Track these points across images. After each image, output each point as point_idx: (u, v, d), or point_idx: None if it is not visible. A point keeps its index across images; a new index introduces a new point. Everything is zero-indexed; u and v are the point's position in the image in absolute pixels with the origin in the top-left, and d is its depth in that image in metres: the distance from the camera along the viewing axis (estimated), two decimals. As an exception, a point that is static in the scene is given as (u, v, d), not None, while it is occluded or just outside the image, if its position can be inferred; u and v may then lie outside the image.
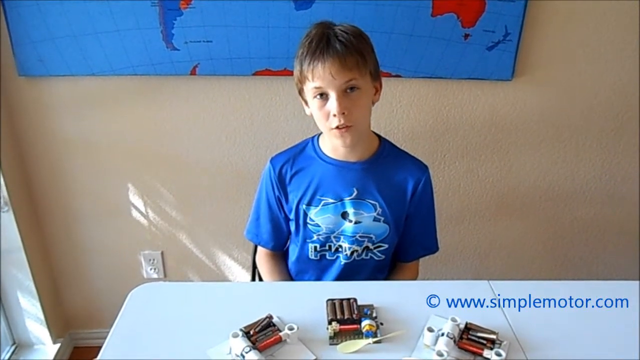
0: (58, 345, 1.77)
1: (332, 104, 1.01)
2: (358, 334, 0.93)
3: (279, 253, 1.28)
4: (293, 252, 1.23)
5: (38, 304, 1.68)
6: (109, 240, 1.75)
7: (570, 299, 1.04)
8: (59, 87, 1.51)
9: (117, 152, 1.61)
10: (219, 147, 1.61)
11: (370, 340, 0.90)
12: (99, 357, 0.89)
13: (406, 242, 1.23)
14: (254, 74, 1.47)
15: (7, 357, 1.70)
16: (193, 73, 1.47)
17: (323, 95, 1.03)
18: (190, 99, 1.54)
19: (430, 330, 0.91)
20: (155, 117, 1.56)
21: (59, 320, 1.83)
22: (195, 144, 1.60)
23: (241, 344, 0.87)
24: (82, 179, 1.64)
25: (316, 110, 1.05)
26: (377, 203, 1.14)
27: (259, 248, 1.27)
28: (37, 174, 1.63)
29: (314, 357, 0.88)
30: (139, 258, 1.78)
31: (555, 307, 1.02)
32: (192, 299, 1.03)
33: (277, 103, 1.54)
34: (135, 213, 1.70)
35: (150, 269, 1.79)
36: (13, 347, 1.74)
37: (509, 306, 1.01)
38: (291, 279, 1.26)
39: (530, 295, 1.04)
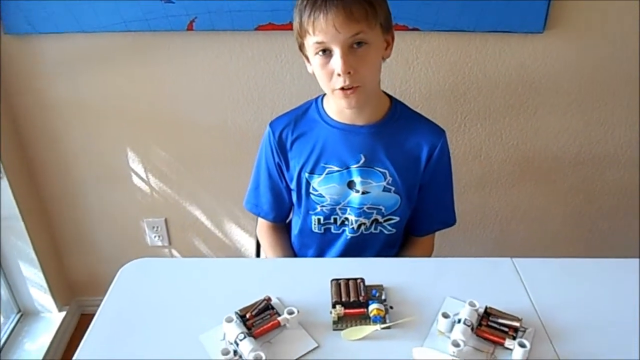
0: (64, 312, 1.74)
1: (336, 61, 0.89)
2: (365, 319, 0.84)
3: (281, 225, 1.19)
4: (295, 225, 1.14)
5: (40, 273, 1.64)
6: (110, 207, 1.68)
7: (605, 279, 0.93)
8: (47, 45, 1.40)
9: (113, 114, 1.51)
10: (220, 108, 1.50)
11: (378, 326, 0.81)
12: (82, 342, 0.82)
13: (420, 214, 1.12)
14: (256, 29, 1.34)
15: (13, 326, 1.68)
16: (190, 28, 1.34)
17: (326, 52, 0.90)
18: (188, 57, 1.42)
19: (445, 316, 0.82)
20: (151, 77, 1.45)
21: (64, 288, 1.79)
22: (195, 105, 1.50)
23: (235, 330, 0.79)
24: (77, 143, 1.56)
25: (318, 68, 0.92)
26: (386, 171, 1.02)
27: (260, 220, 1.18)
28: (30, 138, 1.54)
29: (316, 345, 0.80)
30: (142, 225, 1.71)
31: (587, 288, 0.91)
32: (185, 276, 0.95)
33: (283, 61, 1.42)
34: (135, 178, 1.62)
35: (155, 237, 1.72)
36: (18, 316, 1.71)
37: (535, 288, 0.91)
38: (294, 253, 1.17)
39: (559, 274, 0.94)
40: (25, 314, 1.73)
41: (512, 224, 1.71)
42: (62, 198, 1.66)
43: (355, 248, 1.10)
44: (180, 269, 0.97)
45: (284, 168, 1.07)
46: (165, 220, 1.70)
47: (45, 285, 1.67)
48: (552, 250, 1.75)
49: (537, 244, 1.74)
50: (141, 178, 1.62)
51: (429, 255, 1.17)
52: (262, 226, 1.18)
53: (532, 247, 1.75)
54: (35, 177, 1.61)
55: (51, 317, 1.73)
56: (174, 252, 1.77)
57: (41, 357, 1.59)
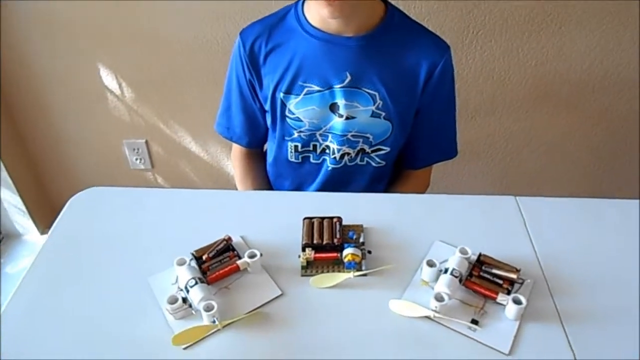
0: (47, 235, 1.68)
1: None
2: (338, 265, 0.73)
3: (256, 151, 1.06)
4: (270, 152, 1.00)
5: (17, 196, 1.55)
6: (87, 129, 1.56)
7: (623, 223, 0.80)
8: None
9: (83, 30, 1.36)
10: (200, 22, 1.33)
11: (352, 273, 0.70)
12: (20, 282, 0.73)
13: (415, 144, 0.98)
14: None
15: (-7, 248, 1.63)
16: None
17: None
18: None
19: (431, 264, 0.70)
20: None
21: (45, 211, 1.72)
22: (174, 18, 1.33)
23: (186, 274, 0.69)
24: (46, 62, 1.43)
25: None
26: (377, 93, 0.87)
27: (234, 145, 1.04)
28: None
29: (280, 292, 0.70)
30: (123, 149, 1.59)
31: (602, 234, 0.79)
32: (141, 209, 0.84)
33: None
34: (111, 98, 1.49)
35: (136, 159, 1.61)
36: (0, 238, 1.66)
37: (539, 233, 0.78)
38: (268, 185, 1.04)
39: (569, 218, 0.81)
40: (7, 237, 1.69)
41: (522, 155, 1.56)
42: (36, 121, 1.54)
43: (338, 181, 0.97)
44: (135, 200, 0.85)
45: (256, 86, 0.91)
46: (146, 142, 1.58)
47: (24, 208, 1.59)
48: (565, 188, 1.62)
49: (548, 181, 1.61)
50: (117, 96, 1.48)
51: (423, 192, 1.04)
52: (235, 152, 1.05)
53: (542, 183, 1.62)
54: (6, 101, 1.48)
55: (33, 239, 1.69)
56: (158, 177, 1.67)
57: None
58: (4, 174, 1.50)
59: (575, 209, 0.83)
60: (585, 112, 1.46)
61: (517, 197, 0.84)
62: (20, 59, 1.41)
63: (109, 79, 1.45)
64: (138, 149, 1.58)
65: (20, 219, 1.63)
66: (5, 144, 1.49)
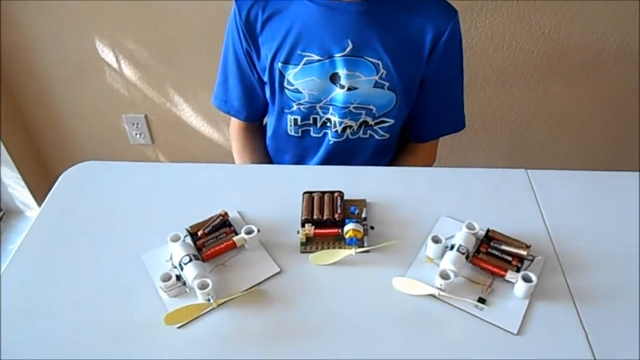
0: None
1: None
2: (339, 241, 0.70)
3: (255, 125, 1.02)
4: (270, 125, 0.96)
5: (17, 173, 1.53)
6: (86, 104, 1.53)
7: (637, 197, 0.76)
8: None
9: (80, 1, 1.30)
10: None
11: (353, 250, 0.67)
12: (10, 258, 0.70)
13: (421, 116, 0.94)
14: None
15: (-5, 224, 1.62)
16: None
17: None
18: None
19: (436, 240, 0.67)
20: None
21: (45, 187, 1.68)
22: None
23: (180, 251, 0.66)
24: (44, 36, 1.39)
25: None
26: (379, 62, 0.82)
27: (232, 119, 1.00)
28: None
29: (278, 270, 0.67)
30: (122, 123, 1.56)
31: (618, 208, 0.75)
32: (135, 183, 0.81)
33: None
34: (110, 72, 1.45)
35: (136, 134, 1.58)
36: (1, 214, 1.64)
37: (551, 207, 0.74)
38: (268, 159, 1.00)
39: (582, 191, 0.77)
40: (8, 213, 1.67)
41: (532, 128, 1.51)
42: (35, 96, 1.51)
43: (340, 156, 0.93)
44: (129, 175, 0.82)
45: (254, 56, 0.87)
46: (146, 117, 1.54)
47: (23, 184, 1.57)
48: (577, 162, 1.57)
49: (558, 154, 1.56)
50: (116, 71, 1.44)
51: (430, 165, 1.00)
52: (234, 127, 1.01)
53: (552, 157, 1.57)
54: (4, 76, 1.45)
55: (34, 216, 1.66)
56: (158, 152, 1.63)
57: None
58: (3, 150, 1.48)
59: (588, 182, 0.79)
60: (598, 83, 1.40)
61: (528, 170, 0.80)
62: (18, 33, 1.37)
63: (106, 52, 1.40)
64: (137, 124, 1.55)
65: (21, 195, 1.61)
66: (4, 120, 1.46)
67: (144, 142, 1.60)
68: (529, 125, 1.51)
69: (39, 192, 1.64)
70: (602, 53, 1.34)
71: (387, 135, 0.92)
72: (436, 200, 0.76)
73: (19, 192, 1.60)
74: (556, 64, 1.37)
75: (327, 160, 0.94)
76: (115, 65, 1.43)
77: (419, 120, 0.95)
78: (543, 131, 1.52)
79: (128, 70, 1.44)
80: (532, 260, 0.66)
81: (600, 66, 1.37)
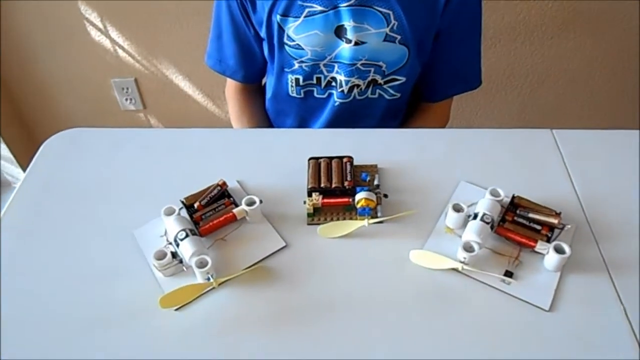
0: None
1: None
2: (350, 211, 0.64)
3: (253, 87, 0.94)
4: (269, 86, 0.89)
5: (3, 144, 1.46)
6: (72, 69, 1.44)
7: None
8: None
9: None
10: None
11: (366, 221, 0.61)
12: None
13: (435, 73, 0.86)
14: None
15: (-16, 197, 1.55)
16: None
17: None
18: None
19: (457, 208, 0.61)
20: None
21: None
22: None
23: (175, 226, 0.60)
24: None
25: None
26: (390, 12, 0.74)
27: (228, 80, 0.92)
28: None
29: (284, 244, 0.61)
30: (111, 88, 1.48)
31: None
32: (124, 151, 0.74)
33: None
34: (94, 33, 1.35)
35: (126, 100, 1.50)
36: (-11, 187, 1.58)
37: (581, 170, 0.68)
38: (268, 123, 0.93)
39: (614, 152, 0.71)
40: (-4, 186, 1.60)
41: (544, 87, 1.43)
42: (18, 63, 1.41)
43: (346, 118, 0.86)
44: (118, 142, 0.75)
45: (249, 8, 0.78)
46: (136, 81, 1.45)
47: (10, 156, 1.50)
48: (590, 122, 1.50)
49: (571, 115, 1.48)
50: (102, 32, 1.35)
51: (444, 126, 0.93)
52: (230, 88, 0.93)
53: (564, 117, 1.49)
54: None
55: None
56: (150, 118, 1.56)
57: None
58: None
59: (620, 142, 0.73)
60: (613, 39, 1.32)
61: (554, 130, 0.73)
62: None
63: (90, 12, 1.31)
64: (127, 89, 1.46)
65: (9, 168, 1.54)
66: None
67: (135, 108, 1.52)
68: (541, 83, 1.43)
69: (28, 164, 1.56)
70: (618, 8, 1.25)
71: (398, 95, 0.85)
72: (454, 165, 0.69)
73: (6, 164, 1.52)
74: (571, 17, 1.28)
75: (332, 124, 0.86)
76: (100, 26, 1.33)
77: (433, 77, 0.87)
78: (556, 90, 1.44)
79: (114, 32, 1.35)
80: (562, 229, 0.60)
81: (617, 17, 1.28)
